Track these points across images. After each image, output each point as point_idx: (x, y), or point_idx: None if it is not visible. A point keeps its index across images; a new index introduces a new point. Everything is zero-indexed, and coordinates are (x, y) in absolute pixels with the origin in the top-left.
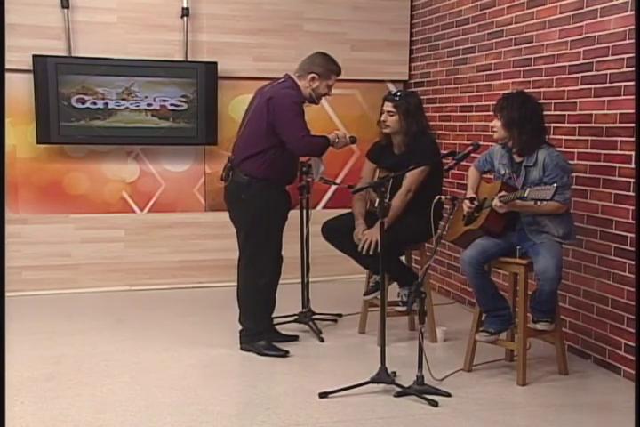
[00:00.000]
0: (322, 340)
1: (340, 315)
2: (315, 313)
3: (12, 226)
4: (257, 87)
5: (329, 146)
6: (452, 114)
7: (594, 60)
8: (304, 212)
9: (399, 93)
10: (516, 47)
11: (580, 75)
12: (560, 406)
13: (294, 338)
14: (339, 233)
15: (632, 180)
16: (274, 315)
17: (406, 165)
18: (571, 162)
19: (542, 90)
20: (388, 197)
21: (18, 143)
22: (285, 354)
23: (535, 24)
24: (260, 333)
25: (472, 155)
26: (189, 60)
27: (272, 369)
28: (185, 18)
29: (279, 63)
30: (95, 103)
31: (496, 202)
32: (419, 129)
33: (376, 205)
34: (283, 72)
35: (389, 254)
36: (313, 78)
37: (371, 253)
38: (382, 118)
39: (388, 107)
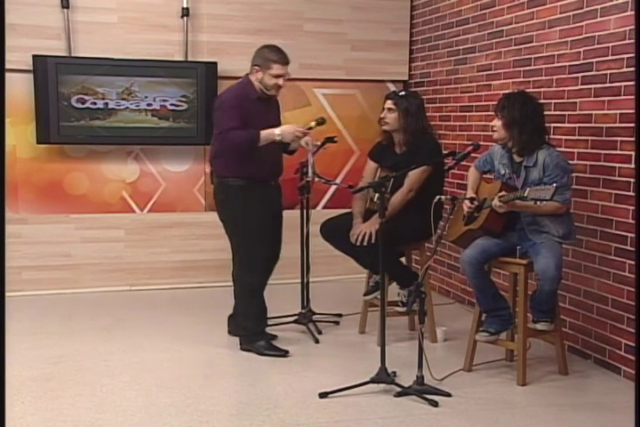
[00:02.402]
0: (317, 341)
1: (340, 315)
2: (315, 313)
3: (11, 226)
4: None
5: (255, 141)
6: (452, 114)
7: (594, 60)
8: (304, 212)
9: (401, 92)
10: (516, 47)
11: (579, 75)
12: (560, 406)
13: (273, 338)
14: (337, 233)
15: (632, 180)
16: (274, 314)
17: (408, 165)
18: (571, 162)
19: (542, 90)
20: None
21: (18, 143)
22: (285, 354)
23: (535, 24)
24: (259, 333)
25: (472, 155)
26: (189, 60)
27: (272, 369)
28: (185, 18)
29: None
30: (95, 103)
31: (496, 202)
32: (418, 127)
33: (375, 199)
34: None
35: (389, 254)
36: (256, 71)
37: (365, 244)
38: (382, 115)
39: (389, 104)
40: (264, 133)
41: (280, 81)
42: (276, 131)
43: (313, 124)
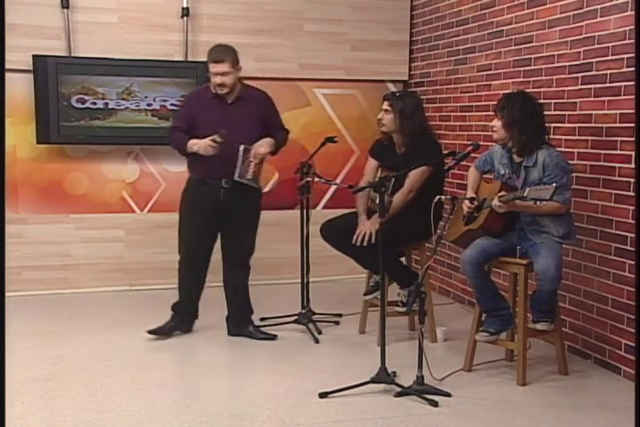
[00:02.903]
0: (317, 341)
1: (340, 315)
2: (315, 313)
3: (11, 226)
4: (257, 87)
5: (183, 149)
6: (452, 114)
7: (594, 60)
8: (304, 212)
9: (398, 93)
10: (516, 47)
11: (580, 75)
12: (560, 406)
13: (273, 337)
14: (338, 234)
15: (632, 180)
16: (274, 314)
17: (408, 166)
18: (571, 162)
19: (542, 90)
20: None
21: (18, 143)
22: (160, 337)
23: (535, 24)
24: (172, 311)
25: (472, 155)
26: (189, 60)
27: (272, 369)
28: (185, 18)
29: (279, 63)
30: (95, 103)
31: (495, 202)
32: (415, 129)
33: (376, 201)
34: (282, 72)
35: (389, 254)
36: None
37: (365, 244)
38: (379, 116)
39: (385, 105)
40: (189, 143)
41: (217, 79)
42: (196, 142)
43: (218, 138)
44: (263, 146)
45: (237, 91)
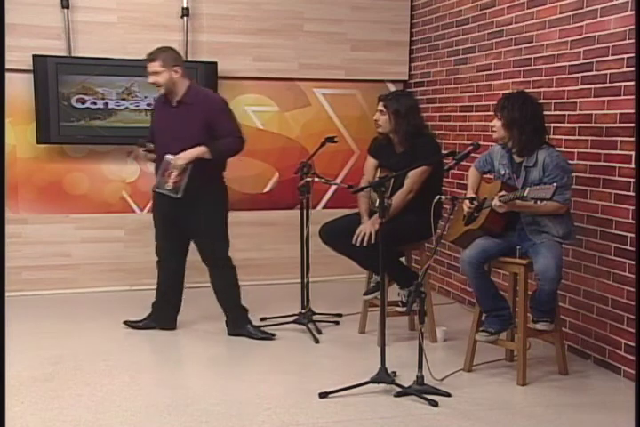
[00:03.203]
0: (317, 341)
1: (340, 315)
2: (315, 313)
3: (11, 226)
4: (257, 87)
5: None
6: (452, 114)
7: (594, 60)
8: (304, 212)
9: (393, 94)
10: (516, 47)
11: (579, 75)
12: (560, 406)
13: (271, 336)
14: (337, 235)
15: (632, 180)
16: (274, 314)
17: (407, 165)
18: (571, 162)
19: (542, 90)
20: (389, 196)
21: (18, 143)
22: (141, 327)
23: (535, 24)
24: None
25: (472, 155)
26: (189, 60)
27: (272, 369)
28: (185, 18)
29: (279, 63)
30: (95, 103)
31: (496, 202)
32: (410, 129)
33: (377, 205)
34: (283, 72)
35: (389, 254)
36: None
37: (364, 244)
38: (375, 117)
39: (380, 106)
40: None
41: (150, 78)
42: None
43: (151, 147)
44: (182, 157)
45: (181, 94)
